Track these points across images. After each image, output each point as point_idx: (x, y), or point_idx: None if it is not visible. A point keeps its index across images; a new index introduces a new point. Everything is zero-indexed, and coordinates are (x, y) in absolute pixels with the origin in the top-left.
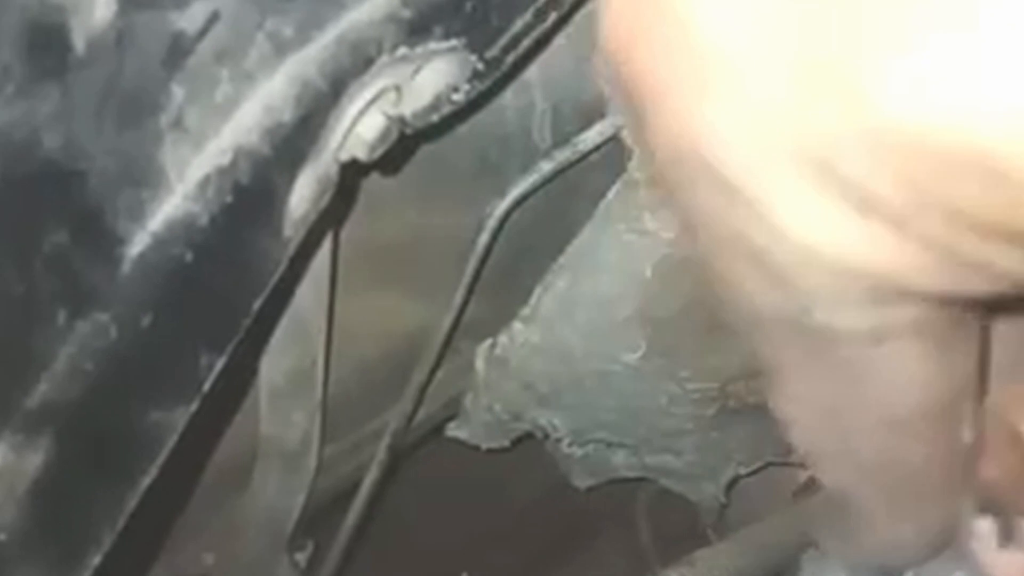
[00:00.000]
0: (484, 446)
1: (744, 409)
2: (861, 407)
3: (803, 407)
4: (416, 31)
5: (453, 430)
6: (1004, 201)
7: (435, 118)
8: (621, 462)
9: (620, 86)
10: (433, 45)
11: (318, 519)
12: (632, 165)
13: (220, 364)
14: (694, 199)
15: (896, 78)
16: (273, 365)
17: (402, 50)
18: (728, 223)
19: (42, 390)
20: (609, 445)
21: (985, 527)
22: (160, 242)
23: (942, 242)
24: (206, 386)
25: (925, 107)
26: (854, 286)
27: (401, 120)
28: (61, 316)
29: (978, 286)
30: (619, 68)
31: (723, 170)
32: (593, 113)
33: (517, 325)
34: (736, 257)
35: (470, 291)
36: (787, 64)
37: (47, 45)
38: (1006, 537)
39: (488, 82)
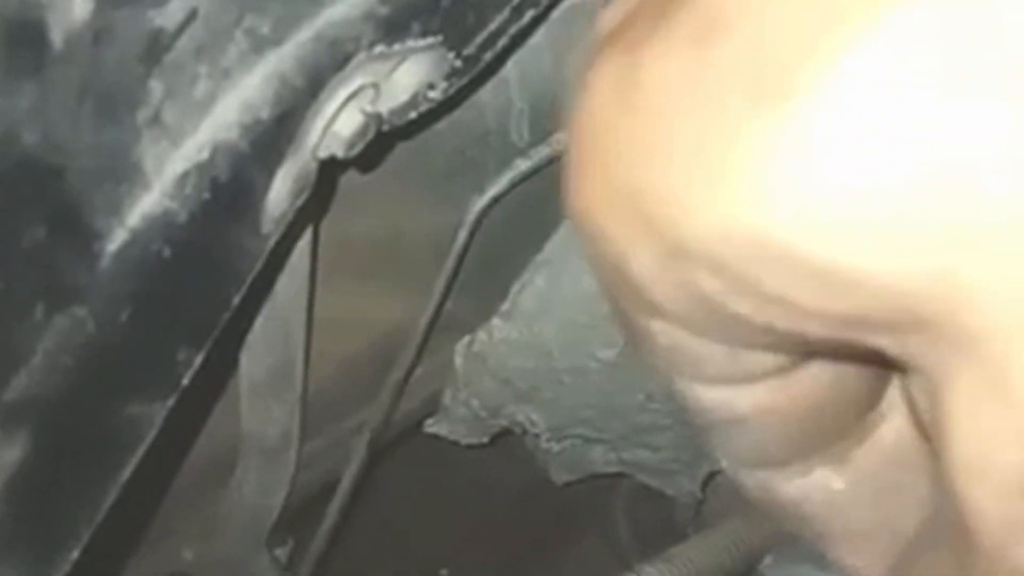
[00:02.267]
0: (463, 442)
1: None
2: None
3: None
4: (394, 28)
5: (432, 426)
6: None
7: (413, 115)
8: (599, 458)
9: None
10: (411, 42)
11: (298, 515)
12: None
13: (198, 359)
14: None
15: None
16: (253, 361)
17: (379, 47)
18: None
19: (20, 384)
20: (587, 441)
21: None
22: (138, 238)
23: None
24: (184, 381)
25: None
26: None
27: (379, 117)
28: (39, 311)
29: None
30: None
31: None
32: (570, 111)
33: (496, 322)
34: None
35: (449, 288)
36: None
37: (25, 41)
38: None
39: (465, 79)
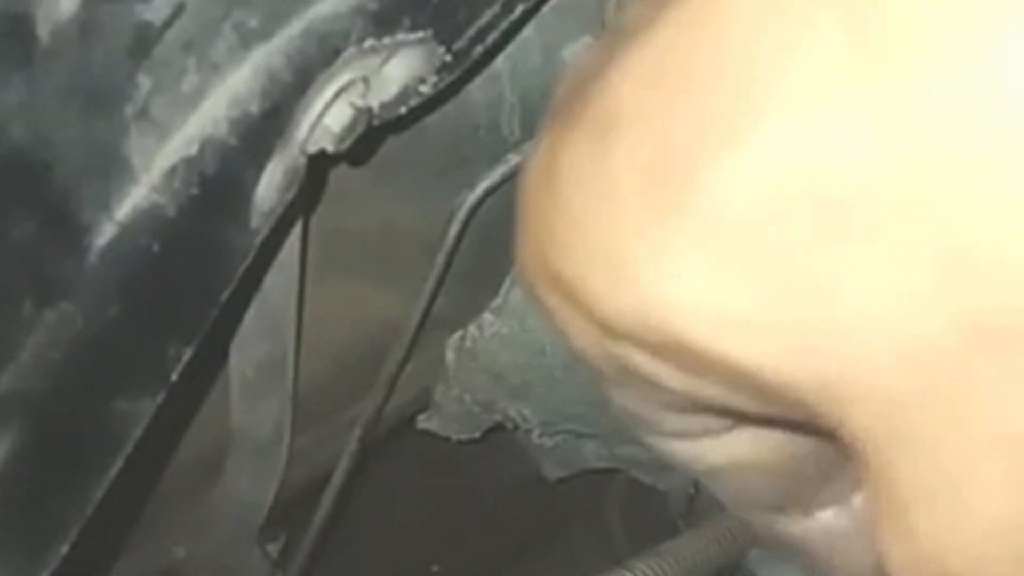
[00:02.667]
0: (455, 437)
1: None
2: None
3: None
4: (383, 22)
5: (424, 422)
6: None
7: (403, 110)
8: (591, 453)
9: None
10: (400, 36)
11: (289, 511)
12: None
13: (187, 355)
14: None
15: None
16: (243, 357)
17: (369, 41)
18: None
19: (8, 380)
20: (579, 436)
21: None
22: (127, 232)
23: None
24: (173, 376)
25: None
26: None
27: (368, 111)
28: (27, 306)
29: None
30: None
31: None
32: None
33: (487, 317)
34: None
35: (440, 283)
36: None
37: (12, 36)
38: None
39: (456, 74)
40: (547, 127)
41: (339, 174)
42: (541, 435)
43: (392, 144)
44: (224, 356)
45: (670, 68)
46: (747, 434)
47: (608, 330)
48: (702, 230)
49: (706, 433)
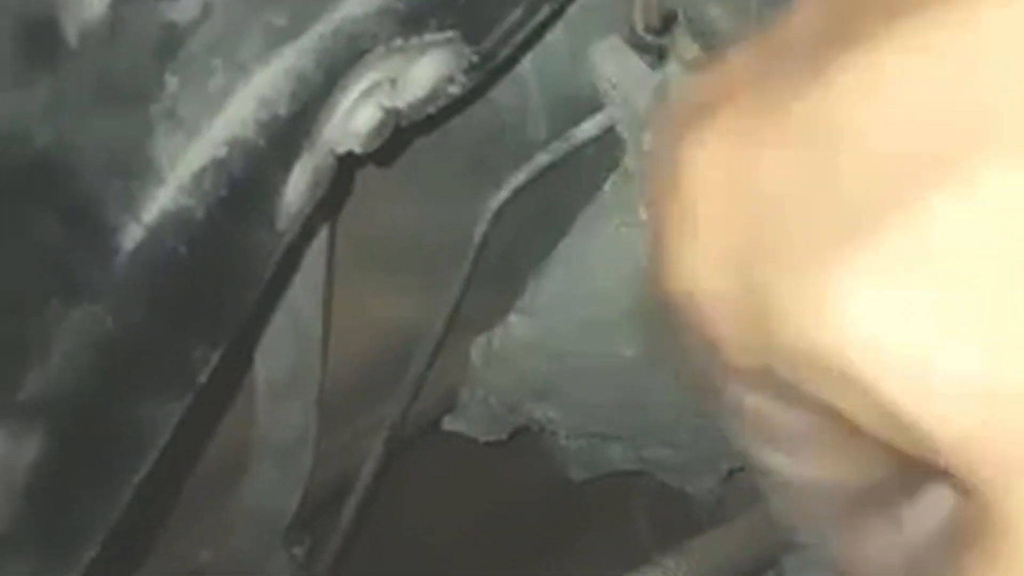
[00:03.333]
0: (481, 439)
1: None
2: None
3: None
4: (411, 23)
5: (450, 423)
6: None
7: (430, 110)
8: (618, 455)
9: None
10: (428, 37)
11: (315, 513)
12: (627, 158)
13: (215, 358)
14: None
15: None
16: (269, 360)
17: (397, 42)
18: None
19: (35, 382)
20: (606, 438)
21: None
22: (154, 234)
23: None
24: (200, 379)
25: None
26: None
27: (396, 112)
28: (54, 307)
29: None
30: None
31: None
32: (588, 106)
33: (513, 318)
34: None
35: (466, 285)
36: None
37: (40, 38)
38: None
39: (483, 74)
40: (702, 128)
41: (365, 175)
42: (567, 437)
43: (418, 145)
44: (250, 359)
45: (902, 85)
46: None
47: (776, 347)
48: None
49: (811, 448)
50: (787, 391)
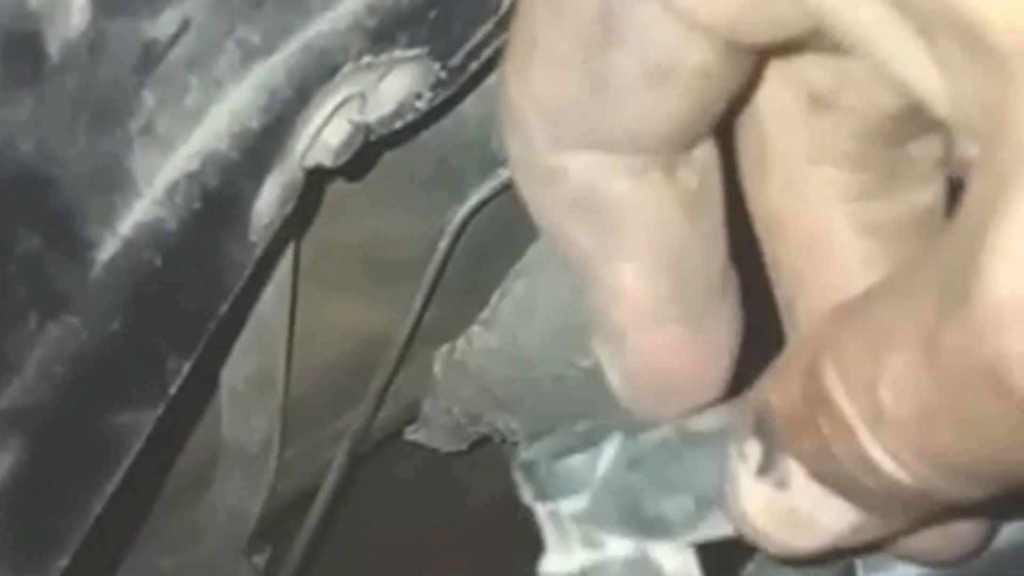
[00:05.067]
0: (443, 449)
1: None
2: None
3: (539, 110)
4: (381, 39)
5: (412, 434)
6: None
7: (399, 125)
8: None
9: None
10: (398, 53)
11: (277, 522)
12: None
13: (187, 367)
14: None
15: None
16: (234, 369)
17: (367, 58)
18: None
19: (12, 393)
20: None
21: (753, 449)
22: (130, 247)
23: None
24: (172, 389)
25: None
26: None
27: (366, 127)
28: (32, 320)
29: None
30: None
31: None
32: None
33: (476, 329)
34: None
35: (429, 296)
36: None
37: (22, 52)
38: (765, 467)
39: (451, 90)
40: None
41: (331, 188)
42: (528, 447)
43: (383, 158)
44: (217, 370)
45: None
46: None
47: None
48: None
49: None
50: None
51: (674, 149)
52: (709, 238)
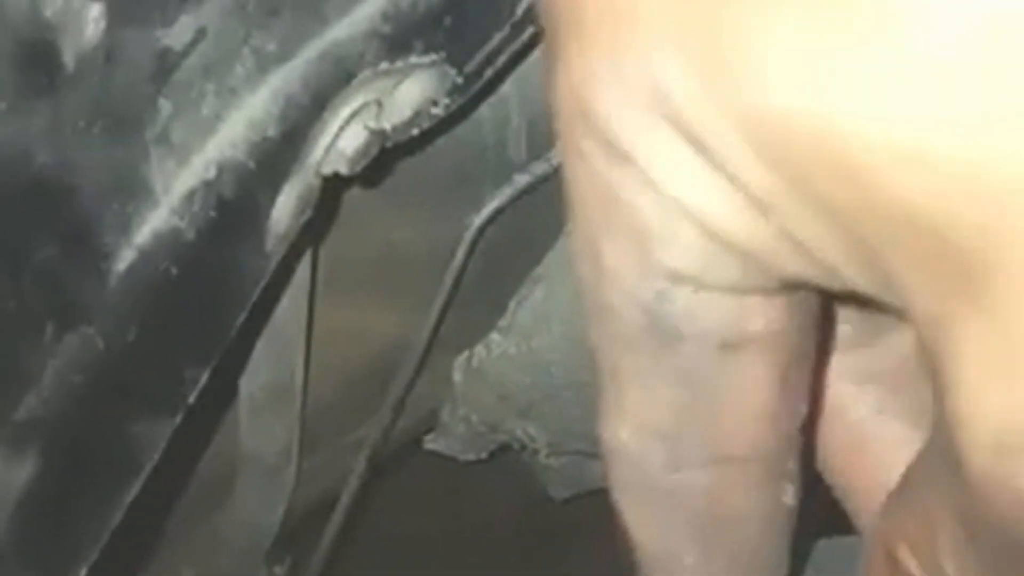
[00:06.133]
0: (462, 458)
1: None
2: (696, 431)
3: (636, 428)
4: (397, 46)
5: (431, 442)
6: (857, 201)
7: (415, 132)
8: (598, 473)
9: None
10: (413, 59)
11: (297, 532)
12: None
13: (204, 376)
14: (576, 158)
15: (768, 63)
16: (253, 379)
17: (383, 65)
18: (604, 181)
19: (30, 404)
20: (587, 456)
21: None
22: (146, 256)
23: (797, 231)
24: (190, 399)
25: (791, 97)
26: (717, 265)
27: (382, 134)
28: (49, 330)
29: (825, 281)
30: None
31: (603, 124)
32: None
33: (494, 337)
34: (606, 224)
35: (447, 304)
36: (670, 24)
37: (38, 63)
38: None
39: (467, 96)
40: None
41: (348, 196)
42: (548, 455)
43: (399, 166)
44: (235, 379)
45: None
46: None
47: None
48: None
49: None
50: None
51: (778, 456)
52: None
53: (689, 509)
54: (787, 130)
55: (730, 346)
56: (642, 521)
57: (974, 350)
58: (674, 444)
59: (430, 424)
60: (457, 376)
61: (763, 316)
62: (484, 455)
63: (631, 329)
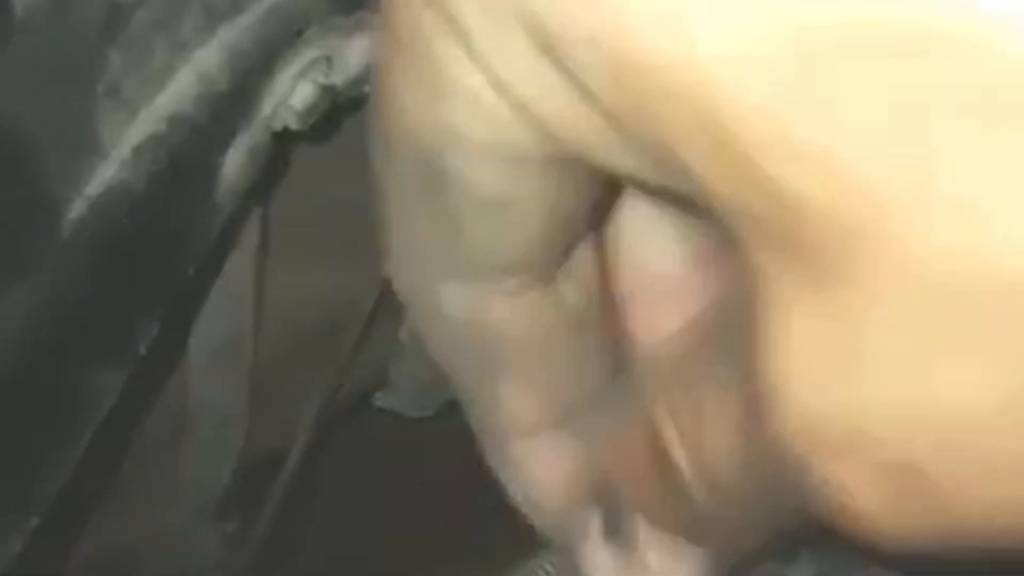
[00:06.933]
0: (410, 415)
1: None
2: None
3: (404, 249)
4: (346, 1)
5: (380, 400)
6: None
7: (366, 88)
8: None
9: None
10: (363, 15)
11: (246, 490)
12: None
13: (155, 328)
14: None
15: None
16: (202, 336)
17: (333, 20)
18: (420, 24)
19: None
20: None
21: (596, 517)
22: (97, 208)
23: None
24: (142, 350)
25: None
26: (512, 136)
27: (332, 89)
28: (1, 282)
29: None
30: None
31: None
32: None
33: None
34: (413, 67)
35: None
36: None
37: None
38: (611, 532)
39: None
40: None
41: (297, 153)
42: None
43: (350, 123)
44: (184, 333)
45: None
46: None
47: None
48: None
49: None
50: None
51: (542, 269)
52: (594, 346)
53: (471, 332)
54: (649, 70)
55: (499, 203)
56: (446, 360)
57: (803, 328)
58: (435, 268)
59: (379, 381)
60: (403, 336)
61: (537, 183)
62: (431, 412)
63: (404, 171)
